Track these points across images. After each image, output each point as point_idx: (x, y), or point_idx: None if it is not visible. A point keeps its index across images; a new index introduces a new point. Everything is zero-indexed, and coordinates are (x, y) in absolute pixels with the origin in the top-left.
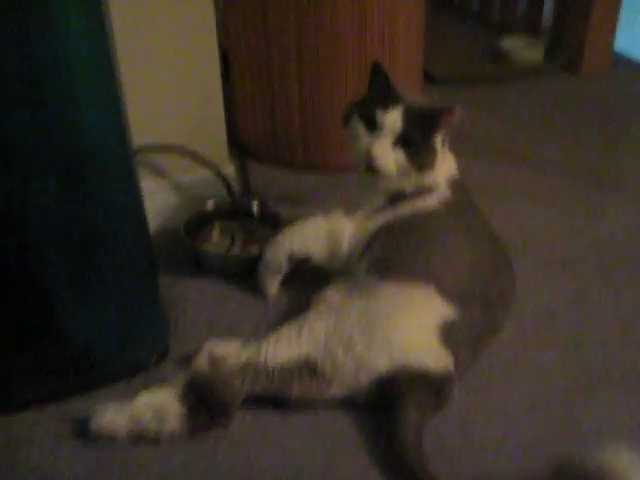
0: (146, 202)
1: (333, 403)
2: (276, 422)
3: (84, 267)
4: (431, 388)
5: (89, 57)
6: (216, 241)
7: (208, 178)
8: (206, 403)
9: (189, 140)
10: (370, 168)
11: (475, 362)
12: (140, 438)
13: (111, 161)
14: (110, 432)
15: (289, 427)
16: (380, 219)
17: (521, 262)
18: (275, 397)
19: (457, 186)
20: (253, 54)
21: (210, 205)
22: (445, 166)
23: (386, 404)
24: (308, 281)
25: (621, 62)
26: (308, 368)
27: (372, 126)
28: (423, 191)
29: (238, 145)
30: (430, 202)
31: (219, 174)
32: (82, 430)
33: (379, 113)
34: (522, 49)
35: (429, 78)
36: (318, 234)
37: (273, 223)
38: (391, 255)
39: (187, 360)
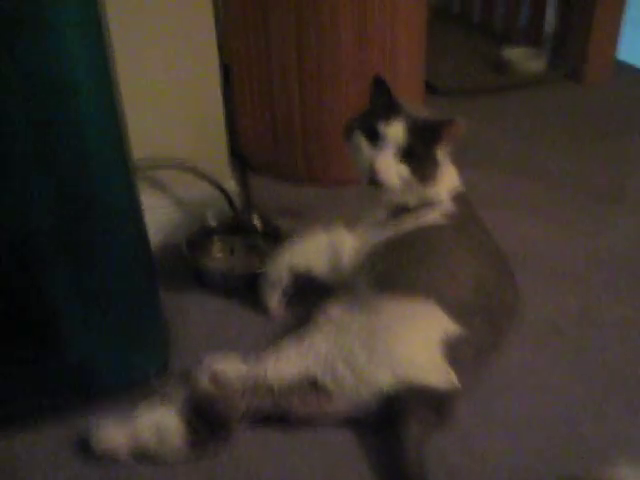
0: (147, 217)
1: (334, 419)
2: (277, 438)
3: (83, 282)
4: (433, 403)
5: (86, 62)
6: (217, 256)
7: (209, 193)
8: (206, 419)
9: (190, 155)
10: (373, 181)
11: (478, 376)
12: (141, 455)
13: (110, 171)
14: (110, 450)
15: (290, 443)
16: (382, 233)
17: (523, 274)
18: (276, 412)
19: (460, 199)
20: (254, 67)
21: (211, 220)
22: (447, 179)
23: (388, 419)
24: (309, 295)
25: (624, 70)
26: (309, 382)
27: (374, 139)
28: (426, 204)
29: (239, 159)
30: (433, 215)
31: (220, 189)
32: (82, 448)
33: (381, 126)
34: (524, 59)
35: (431, 89)
36: (319, 248)
37: (275, 237)
38: (393, 269)
39: (187, 375)
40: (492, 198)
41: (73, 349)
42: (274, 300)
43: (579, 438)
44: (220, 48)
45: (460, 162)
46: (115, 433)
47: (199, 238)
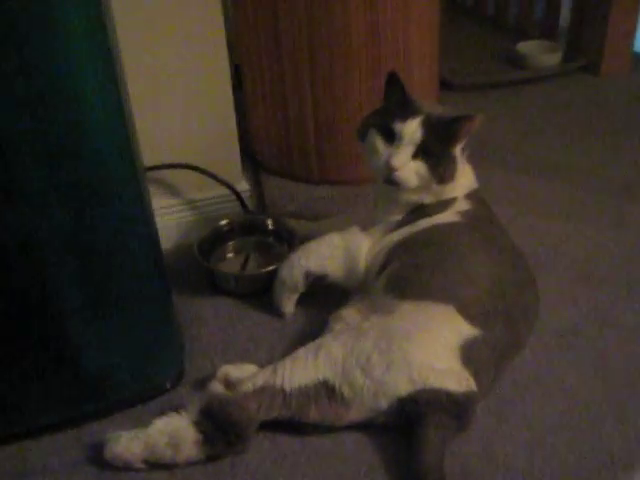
0: (160, 220)
1: (352, 425)
2: (294, 447)
3: (96, 291)
4: (452, 409)
5: (90, 58)
6: (231, 259)
7: (221, 194)
8: (222, 429)
9: (202, 157)
10: (389, 181)
11: (498, 381)
12: (156, 466)
13: (119, 173)
14: (125, 460)
15: (307, 452)
16: (398, 235)
17: (544, 277)
18: (292, 421)
19: (475, 197)
20: (265, 67)
21: (224, 222)
22: (464, 178)
23: (406, 425)
24: (324, 299)
25: None
26: (326, 391)
27: (390, 138)
28: (442, 204)
29: (252, 160)
30: (449, 216)
31: (232, 190)
32: (97, 458)
33: (397, 124)
34: (539, 52)
35: (445, 85)
36: (334, 252)
37: (289, 239)
38: (409, 272)
39: (202, 384)
40: (509, 197)
41: (88, 361)
42: (289, 305)
43: (600, 442)
44: (230, 48)
45: (475, 159)
46: (129, 443)
47: (211, 241)
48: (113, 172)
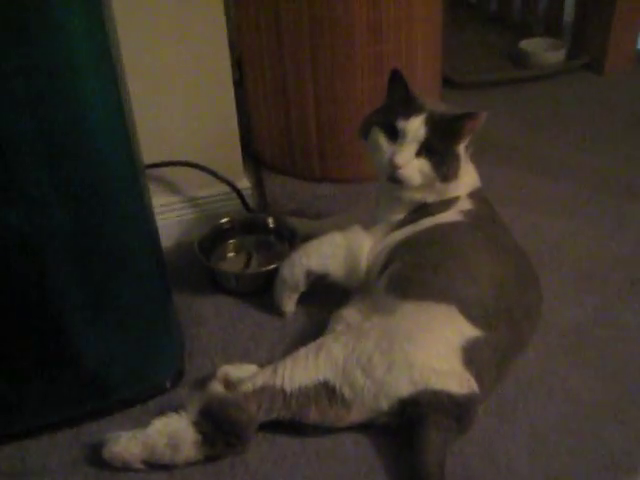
0: (160, 218)
1: (352, 426)
2: (294, 448)
3: (95, 290)
4: (454, 411)
5: (90, 58)
6: (231, 258)
7: (223, 193)
8: (221, 429)
9: (203, 154)
10: (393, 179)
11: (500, 382)
12: (155, 466)
13: (120, 172)
14: (124, 460)
15: (308, 453)
16: (400, 234)
17: (547, 276)
18: (292, 422)
19: (480, 198)
20: (267, 65)
21: (225, 221)
22: (467, 176)
23: (407, 426)
24: (325, 299)
25: None
26: (326, 392)
27: (393, 135)
28: (445, 203)
29: (253, 157)
30: (452, 215)
31: (234, 188)
32: (96, 458)
33: (400, 121)
34: (543, 50)
35: (448, 83)
36: (336, 251)
37: (290, 238)
38: (411, 272)
39: (202, 383)
40: (511, 194)
41: (87, 360)
42: (290, 304)
43: (602, 444)
44: (232, 46)
45: (477, 157)
46: (128, 443)
47: (212, 239)
48: (113, 171)
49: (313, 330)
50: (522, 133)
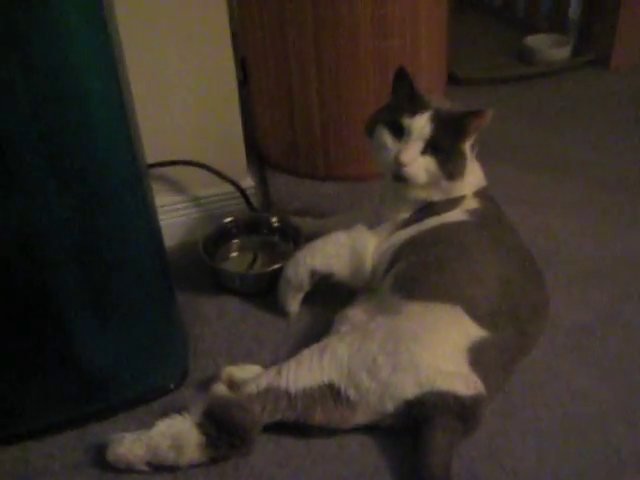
0: (164, 218)
1: (357, 428)
2: (299, 449)
3: (98, 291)
4: (460, 412)
5: (91, 58)
6: (235, 258)
7: (227, 192)
8: (225, 431)
9: (207, 154)
10: (398, 177)
11: (507, 383)
12: (158, 468)
13: (122, 172)
14: (128, 462)
15: (312, 454)
16: (405, 233)
17: (554, 275)
18: (297, 424)
19: (485, 197)
20: (271, 64)
21: (229, 220)
22: (473, 175)
23: (413, 428)
24: (330, 299)
25: None
26: (331, 393)
27: (399, 133)
28: (451, 202)
29: (257, 157)
30: (458, 214)
31: (237, 187)
32: (99, 460)
33: (406, 119)
34: (548, 46)
35: (453, 80)
36: (340, 250)
37: (294, 237)
38: (417, 272)
39: (206, 384)
40: (517, 193)
41: (90, 361)
42: (294, 304)
43: (609, 446)
44: (235, 44)
45: (483, 155)
46: (132, 445)
47: (216, 239)
48: (115, 171)
49: (317, 330)
50: (527, 131)
